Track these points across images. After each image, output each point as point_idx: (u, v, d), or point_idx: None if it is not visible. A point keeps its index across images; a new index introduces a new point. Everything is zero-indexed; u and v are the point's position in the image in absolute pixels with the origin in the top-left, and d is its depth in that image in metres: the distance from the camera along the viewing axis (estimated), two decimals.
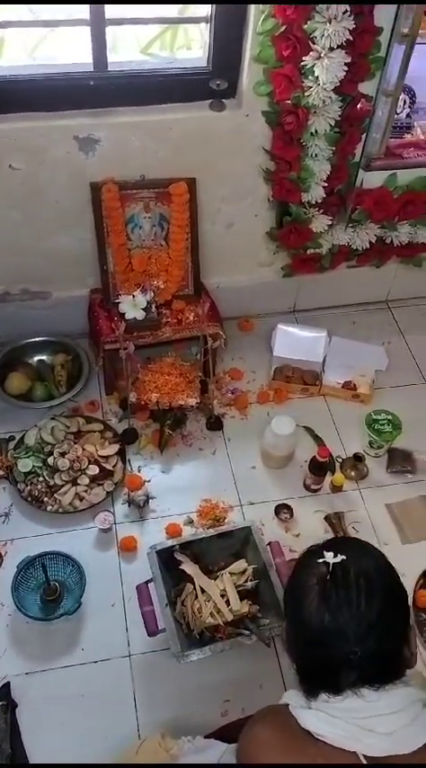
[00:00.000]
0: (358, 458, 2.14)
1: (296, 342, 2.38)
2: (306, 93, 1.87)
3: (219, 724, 1.64)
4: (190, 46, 2.25)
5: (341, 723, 1.05)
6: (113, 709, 1.69)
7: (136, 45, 2.16)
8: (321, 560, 1.10)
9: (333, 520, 2.03)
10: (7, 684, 1.70)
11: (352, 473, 2.15)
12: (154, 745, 1.41)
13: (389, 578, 1.12)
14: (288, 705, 1.12)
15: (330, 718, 1.05)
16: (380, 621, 1.05)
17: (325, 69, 1.80)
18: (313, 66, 1.80)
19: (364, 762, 1.01)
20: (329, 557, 1.10)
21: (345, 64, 1.81)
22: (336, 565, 1.09)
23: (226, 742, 1.40)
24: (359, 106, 1.96)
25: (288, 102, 1.90)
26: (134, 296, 2.11)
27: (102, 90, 1.91)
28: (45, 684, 1.72)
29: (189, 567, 1.77)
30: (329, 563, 1.09)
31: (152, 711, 1.69)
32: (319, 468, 2.04)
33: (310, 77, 1.85)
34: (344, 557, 1.10)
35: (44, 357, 2.34)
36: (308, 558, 1.15)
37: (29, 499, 2.00)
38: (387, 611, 1.07)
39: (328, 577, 1.08)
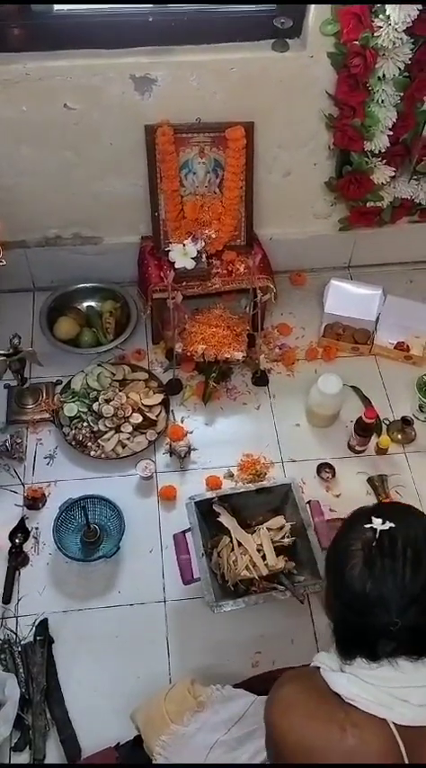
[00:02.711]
0: (406, 421, 2.08)
1: (349, 299, 2.31)
2: (375, 34, 1.77)
3: (249, 675, 1.66)
4: None
5: (374, 690, 1.04)
6: (146, 652, 1.73)
7: None
8: (368, 525, 1.07)
9: (376, 482, 1.99)
10: (45, 620, 1.76)
11: (399, 436, 2.10)
12: (183, 690, 1.44)
13: None
14: (318, 668, 1.12)
15: (362, 683, 1.04)
16: (424, 594, 1.02)
17: (397, 8, 1.69)
18: (384, 4, 1.69)
19: (394, 730, 1.00)
20: (377, 523, 1.07)
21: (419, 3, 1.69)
22: (383, 532, 1.06)
23: (256, 693, 1.41)
24: None
25: (356, 42, 1.80)
26: (184, 244, 2.07)
27: (160, 27, 1.84)
28: (81, 623, 1.77)
29: (226, 520, 1.77)
30: (376, 529, 1.06)
31: (184, 657, 1.73)
32: (365, 429, 2.00)
33: (381, 16, 1.74)
34: (393, 524, 1.06)
35: (93, 303, 2.34)
36: (356, 521, 1.11)
37: (73, 443, 2.03)
38: None
39: (374, 544, 1.05)
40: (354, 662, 1.07)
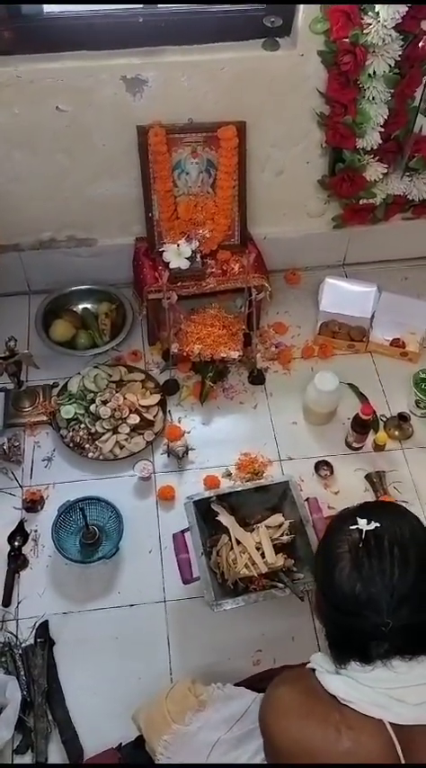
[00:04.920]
0: (403, 417, 2.09)
1: (344, 296, 2.31)
2: (364, 31, 1.77)
3: (251, 673, 1.66)
4: None
5: (370, 692, 1.03)
6: (147, 653, 1.73)
7: None
8: (354, 527, 1.07)
9: (374, 479, 1.99)
10: (46, 623, 1.76)
11: (396, 432, 2.10)
12: (183, 690, 1.43)
13: (419, 545, 1.07)
14: (313, 670, 1.11)
15: (358, 685, 1.04)
16: (414, 593, 1.02)
17: (386, 5, 1.69)
18: (373, 3, 1.70)
19: (390, 730, 1.00)
20: (362, 524, 1.06)
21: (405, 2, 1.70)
22: (369, 532, 1.05)
23: (257, 691, 1.41)
24: (420, 45, 1.83)
25: (346, 40, 1.80)
26: (179, 245, 2.08)
27: (151, 28, 1.85)
28: (82, 625, 1.77)
29: (225, 519, 1.77)
30: (362, 530, 1.06)
31: (185, 657, 1.73)
32: (362, 425, 2.00)
33: (370, 14, 1.75)
34: (378, 524, 1.06)
35: (89, 305, 2.35)
36: (341, 523, 1.11)
37: (71, 445, 2.03)
38: (422, 582, 1.03)
39: (360, 545, 1.05)
40: (348, 666, 1.06)
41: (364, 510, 1.11)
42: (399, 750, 0.99)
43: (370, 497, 1.97)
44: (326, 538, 1.13)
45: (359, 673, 1.05)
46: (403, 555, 1.03)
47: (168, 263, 2.07)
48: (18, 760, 1.59)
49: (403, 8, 1.72)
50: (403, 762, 0.99)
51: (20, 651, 1.71)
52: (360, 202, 2.21)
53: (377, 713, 1.01)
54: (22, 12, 1.80)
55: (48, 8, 1.81)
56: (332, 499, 1.96)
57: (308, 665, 1.14)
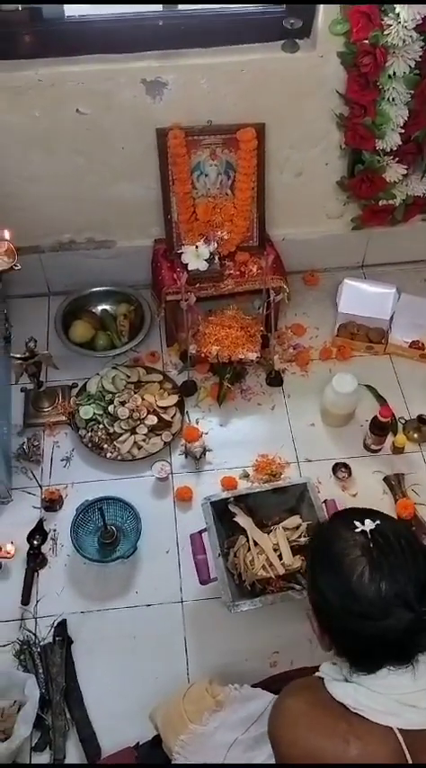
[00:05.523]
0: (422, 419, 2.07)
1: (362, 298, 2.30)
2: (384, 32, 1.77)
3: (268, 674, 1.66)
4: None
5: (382, 698, 1.03)
6: (164, 652, 1.73)
7: None
8: (358, 530, 1.07)
9: (393, 481, 1.99)
10: (64, 621, 1.77)
11: (415, 435, 2.09)
12: (201, 690, 1.44)
13: (410, 531, 1.12)
14: (322, 679, 1.11)
15: (370, 692, 1.04)
16: None
17: (407, 6, 1.69)
18: (393, 4, 1.69)
19: (399, 736, 1.00)
20: (368, 524, 1.07)
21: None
22: (374, 531, 1.07)
23: (274, 693, 1.41)
24: None
25: (366, 41, 1.80)
26: (197, 246, 2.08)
27: (171, 31, 1.86)
28: (100, 624, 1.78)
29: (242, 520, 1.77)
30: (367, 531, 1.07)
31: (202, 657, 1.73)
32: (380, 428, 2.00)
33: (390, 15, 1.74)
34: (378, 521, 1.08)
35: (107, 307, 2.36)
36: (333, 536, 1.10)
37: (89, 445, 2.04)
38: None
39: (372, 545, 1.05)
40: (380, 671, 1.05)
41: (352, 515, 1.12)
42: (408, 756, 0.99)
43: (389, 500, 1.96)
44: (327, 552, 1.10)
45: (371, 679, 1.05)
46: (408, 544, 1.06)
47: (186, 264, 2.08)
48: (36, 757, 1.60)
49: (423, 9, 1.71)
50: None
51: (38, 649, 1.72)
52: (380, 204, 2.21)
53: (387, 720, 1.01)
54: (43, 15, 1.81)
55: (69, 12, 1.82)
56: (350, 501, 1.95)
57: (317, 674, 1.14)
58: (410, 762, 0.99)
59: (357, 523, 1.08)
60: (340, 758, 1.00)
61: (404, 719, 1.01)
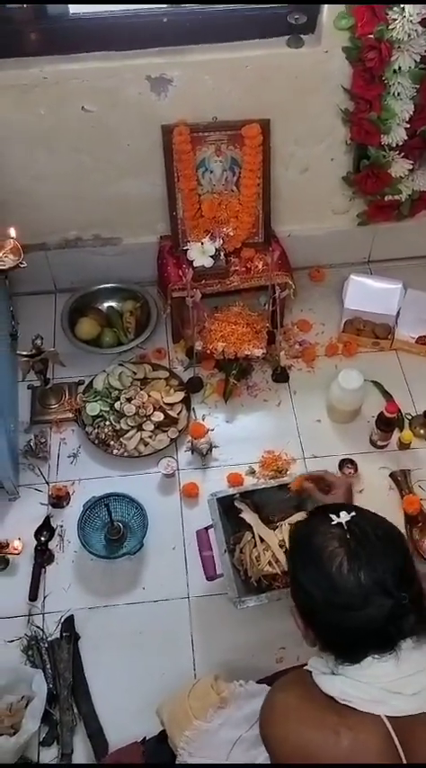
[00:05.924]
0: None
1: (368, 293, 2.30)
2: (390, 27, 1.76)
3: (274, 670, 1.65)
4: None
5: (368, 688, 1.04)
6: (171, 648, 1.74)
7: None
8: (334, 522, 1.10)
9: (399, 477, 1.98)
10: (71, 617, 1.78)
11: (422, 431, 2.09)
12: (206, 687, 1.44)
13: (386, 522, 1.13)
14: (310, 672, 1.12)
15: (356, 683, 1.05)
16: (406, 562, 1.07)
17: None
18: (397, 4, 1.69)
19: (388, 724, 1.01)
20: (343, 516, 1.10)
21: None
22: (350, 522, 1.09)
23: None
24: None
25: (371, 36, 1.79)
26: (202, 243, 2.08)
27: (175, 27, 1.85)
28: (106, 620, 1.79)
29: (248, 516, 1.78)
30: (343, 523, 1.09)
31: (208, 653, 1.74)
32: (387, 424, 1.99)
33: (395, 9, 1.73)
34: (353, 513, 1.11)
35: (114, 303, 2.37)
36: (314, 528, 1.13)
37: (96, 442, 2.05)
38: (406, 552, 1.10)
39: (348, 536, 1.08)
40: (364, 661, 1.06)
41: (327, 509, 1.14)
42: (398, 743, 1.01)
43: (395, 496, 1.96)
44: (306, 547, 1.12)
45: (357, 670, 1.06)
46: (384, 533, 1.09)
47: (192, 261, 2.08)
48: (44, 752, 1.62)
49: None
50: (402, 755, 1.00)
51: (46, 645, 1.73)
52: (385, 199, 2.20)
53: (374, 709, 1.02)
54: (47, 13, 1.81)
55: (73, 9, 1.82)
56: (356, 498, 1.93)
57: (305, 668, 1.15)
58: (400, 750, 1.00)
59: (333, 516, 1.11)
60: (331, 750, 1.01)
61: (391, 707, 1.03)
